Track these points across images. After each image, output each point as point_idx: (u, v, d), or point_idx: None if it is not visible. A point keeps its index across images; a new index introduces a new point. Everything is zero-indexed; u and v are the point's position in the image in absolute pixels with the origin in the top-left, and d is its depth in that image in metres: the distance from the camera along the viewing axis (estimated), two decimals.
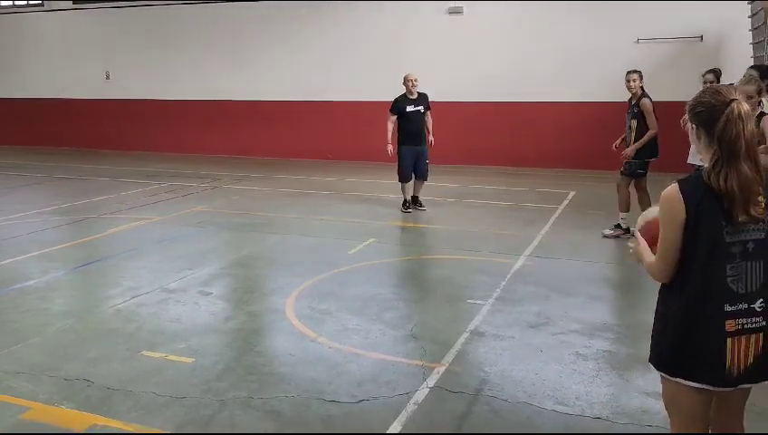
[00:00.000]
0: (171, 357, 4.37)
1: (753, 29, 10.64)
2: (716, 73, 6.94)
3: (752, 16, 10.69)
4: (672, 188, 2.24)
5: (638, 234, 2.50)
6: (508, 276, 6.09)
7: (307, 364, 4.28)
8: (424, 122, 9.03)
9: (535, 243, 7.35)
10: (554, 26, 12.96)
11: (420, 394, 3.83)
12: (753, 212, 2.17)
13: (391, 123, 9.09)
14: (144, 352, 4.46)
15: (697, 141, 2.31)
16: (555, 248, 7.13)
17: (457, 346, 4.51)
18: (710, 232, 2.19)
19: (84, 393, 3.88)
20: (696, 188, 2.22)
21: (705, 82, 6.94)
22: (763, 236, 2.22)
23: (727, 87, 2.27)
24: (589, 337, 4.68)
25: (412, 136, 8.93)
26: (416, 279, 6.36)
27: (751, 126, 2.18)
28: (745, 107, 2.18)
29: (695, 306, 2.24)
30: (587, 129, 12.73)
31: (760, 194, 2.18)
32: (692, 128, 2.33)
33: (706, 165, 2.25)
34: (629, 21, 12.37)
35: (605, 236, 7.47)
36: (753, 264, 2.22)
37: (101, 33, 17.00)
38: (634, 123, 7.41)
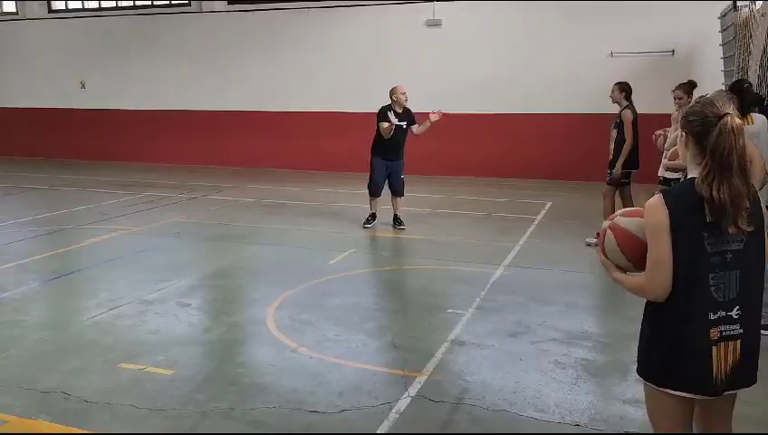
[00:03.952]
0: (150, 369, 4.33)
1: (724, 44, 10.90)
2: (690, 87, 7.05)
3: (722, 31, 10.95)
4: (656, 199, 2.28)
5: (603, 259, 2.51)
6: (488, 286, 6.14)
7: (288, 375, 4.27)
8: (404, 138, 8.74)
9: (514, 252, 7.42)
10: (531, 40, 13.15)
11: (402, 403, 3.84)
12: (740, 225, 2.21)
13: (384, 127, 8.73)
14: (122, 365, 4.41)
15: (685, 149, 2.35)
16: (534, 257, 7.21)
17: (438, 355, 4.54)
18: (692, 242, 2.23)
19: (61, 406, 3.83)
20: (679, 199, 2.26)
21: (675, 99, 7.05)
22: (741, 247, 2.27)
23: (722, 100, 2.29)
24: (567, 345, 4.73)
25: (388, 149, 8.66)
26: (396, 289, 6.38)
27: (743, 140, 2.21)
28: (738, 121, 2.22)
29: (682, 315, 2.28)
30: (563, 140, 12.93)
31: (747, 208, 2.22)
32: (682, 135, 2.36)
33: (690, 174, 2.30)
34: (604, 35, 12.60)
35: (588, 245, 7.58)
36: (731, 273, 2.27)
37: (77, 43, 16.84)
38: (614, 133, 7.60)
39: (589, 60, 12.71)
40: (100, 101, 16.72)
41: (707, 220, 2.22)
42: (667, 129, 7.17)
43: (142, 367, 4.36)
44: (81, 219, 9.34)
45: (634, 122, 7.51)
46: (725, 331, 2.27)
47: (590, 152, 12.81)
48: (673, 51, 12.34)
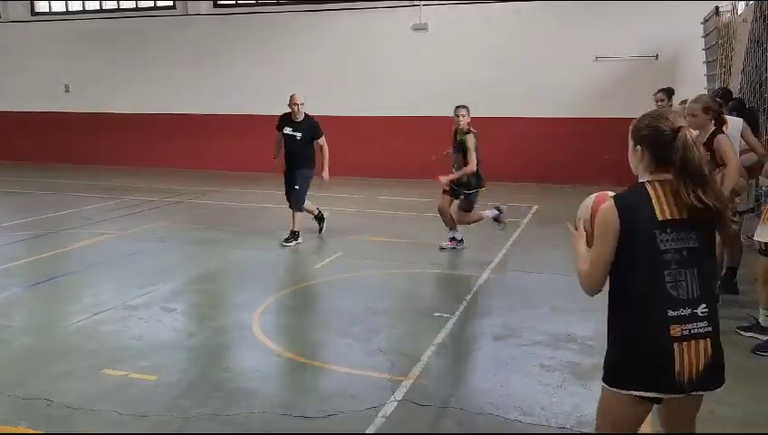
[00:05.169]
0: (134, 375, 4.29)
1: (707, 48, 11.03)
2: (669, 93, 7.17)
3: (705, 36, 11.08)
4: (607, 203, 2.36)
5: (581, 227, 2.58)
6: (474, 289, 6.15)
7: (274, 379, 4.25)
8: (299, 148, 8.09)
9: (500, 256, 7.45)
10: (517, 44, 13.24)
11: (388, 407, 3.83)
12: (729, 222, 2.36)
13: (276, 140, 8.35)
14: (106, 370, 4.36)
15: (638, 162, 2.43)
16: (520, 261, 7.23)
17: (425, 359, 4.53)
18: (645, 241, 2.29)
19: (44, 413, 3.78)
20: (629, 202, 2.34)
21: (656, 101, 7.16)
22: (696, 245, 2.33)
23: (673, 113, 2.41)
24: (553, 348, 4.75)
25: (285, 159, 8.19)
26: (383, 293, 6.37)
27: (701, 151, 2.34)
28: (694, 133, 2.32)
29: (639, 313, 2.30)
30: (549, 143, 13.01)
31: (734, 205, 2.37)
32: (635, 148, 2.44)
33: (641, 179, 2.39)
34: (589, 40, 12.71)
35: (443, 249, 7.61)
36: (690, 270, 2.31)
37: (61, 46, 16.71)
38: (457, 157, 7.47)
39: (573, 64, 12.81)
40: (83, 104, 16.58)
41: (659, 219, 2.29)
42: None
43: (126, 373, 4.32)
44: (65, 223, 9.25)
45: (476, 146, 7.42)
46: (692, 329, 2.28)
47: (576, 156, 12.95)
48: (656, 55, 12.47)
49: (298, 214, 8.13)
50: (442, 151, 7.95)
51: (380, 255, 7.71)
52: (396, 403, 3.88)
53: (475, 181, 7.53)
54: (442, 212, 7.72)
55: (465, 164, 7.37)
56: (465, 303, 5.75)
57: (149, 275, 6.63)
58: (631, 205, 2.33)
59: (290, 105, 8.15)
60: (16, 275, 6.72)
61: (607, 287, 2.40)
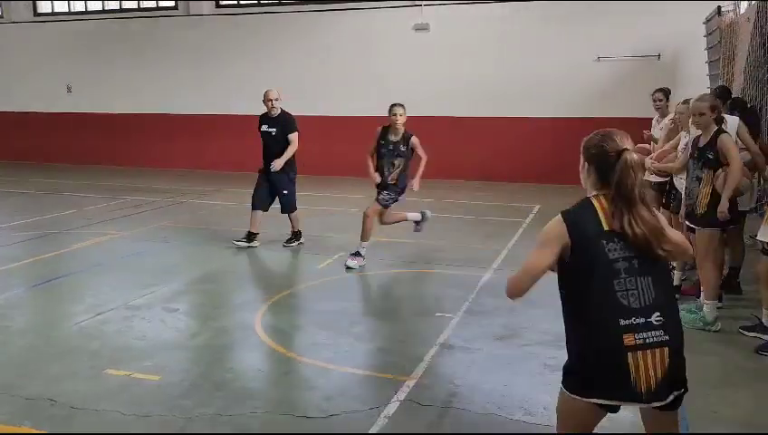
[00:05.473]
0: (137, 375, 4.30)
1: (709, 48, 11.01)
2: (666, 93, 7.16)
3: (707, 36, 11.06)
4: (557, 217, 2.41)
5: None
6: (476, 289, 6.15)
7: (276, 380, 4.25)
8: (278, 145, 7.82)
9: (503, 256, 7.44)
10: (519, 44, 13.22)
11: (391, 408, 3.83)
12: (663, 250, 2.33)
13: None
14: (109, 371, 4.37)
15: (587, 178, 2.49)
16: (522, 261, 7.20)
17: (427, 359, 4.53)
18: (592, 252, 2.32)
19: (47, 413, 3.79)
20: (578, 215, 2.39)
21: (654, 101, 7.16)
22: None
23: (621, 134, 2.44)
24: (555, 348, 4.73)
25: (264, 160, 7.99)
26: (385, 293, 6.38)
27: (642, 174, 2.38)
28: (635, 157, 2.36)
29: (593, 324, 2.32)
30: (551, 143, 12.98)
31: (664, 233, 2.35)
32: (583, 165, 2.49)
33: (589, 194, 2.45)
34: (591, 39, 12.69)
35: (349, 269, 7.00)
36: (642, 279, 2.30)
37: (64, 46, 16.73)
38: (399, 161, 7.05)
39: (575, 64, 12.80)
40: (86, 104, 16.60)
41: (605, 229, 2.32)
42: (647, 130, 7.23)
43: (129, 373, 4.32)
44: (67, 224, 9.26)
45: None
46: (647, 338, 2.26)
47: (578, 156, 12.91)
48: (659, 55, 12.45)
49: (292, 215, 8.01)
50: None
51: (382, 254, 7.70)
52: (398, 403, 3.88)
53: (404, 180, 7.15)
54: (370, 219, 7.04)
55: (406, 168, 7.05)
56: (467, 303, 5.75)
57: (152, 276, 6.63)
58: (578, 219, 2.38)
59: (264, 102, 7.93)
60: (18, 276, 6.73)
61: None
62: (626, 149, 2.37)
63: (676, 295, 5.55)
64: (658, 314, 2.28)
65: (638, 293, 2.28)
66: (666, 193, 6.25)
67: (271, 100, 7.85)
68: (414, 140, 7.04)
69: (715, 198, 4.91)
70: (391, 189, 7.09)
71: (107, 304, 5.75)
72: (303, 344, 4.85)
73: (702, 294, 5.15)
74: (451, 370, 4.41)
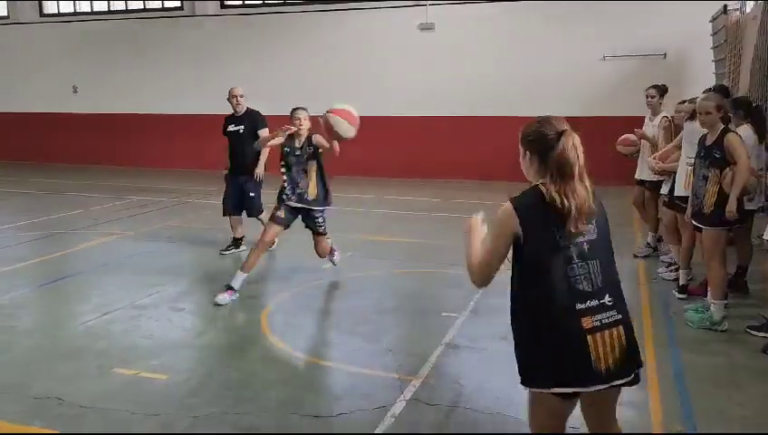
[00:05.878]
0: (144, 374, 4.31)
1: (715, 47, 10.98)
2: (661, 90, 7.09)
3: (713, 34, 11.03)
4: (506, 206, 2.41)
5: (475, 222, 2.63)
6: (480, 289, 6.13)
7: (282, 379, 4.26)
8: (246, 144, 7.36)
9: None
10: (524, 43, 13.22)
11: (397, 407, 3.83)
12: (580, 224, 2.33)
13: (224, 148, 7.77)
14: (116, 370, 4.38)
15: (529, 167, 2.48)
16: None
17: (433, 359, 4.53)
18: (544, 240, 2.33)
19: (56, 412, 3.81)
20: (527, 203, 2.38)
21: (647, 97, 7.09)
22: (595, 236, 2.38)
23: (558, 118, 2.44)
24: None
25: (231, 162, 7.63)
26: (391, 292, 6.37)
27: (582, 153, 2.36)
28: (576, 138, 2.37)
29: (550, 311, 2.32)
30: None
31: (592, 211, 2.35)
32: (524, 154, 2.49)
33: (535, 182, 2.43)
34: (596, 39, 12.68)
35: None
36: (592, 262, 2.35)
37: (70, 47, 16.79)
38: (313, 164, 6.22)
39: (581, 63, 12.78)
40: (92, 105, 16.65)
41: (555, 217, 2.33)
42: (638, 129, 7.13)
43: (136, 372, 4.34)
44: (73, 224, 9.30)
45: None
46: (603, 319, 2.31)
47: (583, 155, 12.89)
48: (665, 54, 12.42)
49: (263, 217, 7.50)
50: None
51: (388, 254, 7.71)
52: (405, 403, 3.89)
53: (325, 194, 6.32)
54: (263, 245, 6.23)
55: (321, 171, 6.22)
56: (472, 302, 5.74)
57: (158, 275, 6.65)
58: (527, 205, 2.38)
59: (229, 100, 7.57)
60: (25, 276, 6.75)
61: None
62: (565, 130, 2.38)
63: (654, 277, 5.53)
64: (608, 295, 2.34)
65: (590, 275, 2.33)
66: (669, 191, 6.22)
67: (236, 96, 7.51)
68: (316, 136, 6.14)
69: (722, 197, 4.90)
70: (314, 205, 6.24)
71: (113, 303, 5.77)
72: (309, 344, 4.85)
73: (709, 293, 5.13)
74: (457, 369, 4.42)
